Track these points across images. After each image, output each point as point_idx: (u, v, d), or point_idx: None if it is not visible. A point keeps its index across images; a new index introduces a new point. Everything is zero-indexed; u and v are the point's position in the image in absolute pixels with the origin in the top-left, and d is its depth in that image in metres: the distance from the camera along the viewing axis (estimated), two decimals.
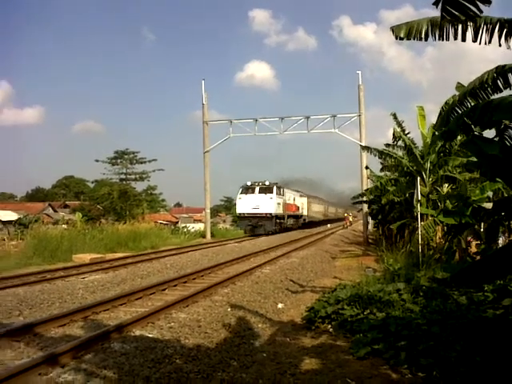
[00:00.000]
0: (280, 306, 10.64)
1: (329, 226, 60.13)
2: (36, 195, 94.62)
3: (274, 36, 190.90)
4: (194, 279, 13.78)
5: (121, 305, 10.21)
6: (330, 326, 8.54)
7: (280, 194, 39.61)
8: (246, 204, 37.85)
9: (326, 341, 7.80)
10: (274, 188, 38.17)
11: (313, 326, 8.65)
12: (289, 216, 43.55)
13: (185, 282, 13.24)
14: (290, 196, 44.83)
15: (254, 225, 37.29)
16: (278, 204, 38.54)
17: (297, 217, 48.47)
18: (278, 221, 38.97)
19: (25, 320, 8.94)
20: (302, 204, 51.14)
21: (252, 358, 6.90)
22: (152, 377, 5.84)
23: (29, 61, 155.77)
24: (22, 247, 23.44)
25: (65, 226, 31.77)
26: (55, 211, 67.92)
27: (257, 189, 38.09)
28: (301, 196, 51.23)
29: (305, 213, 52.15)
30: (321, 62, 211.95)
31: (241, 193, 38.76)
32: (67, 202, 76.70)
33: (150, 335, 7.74)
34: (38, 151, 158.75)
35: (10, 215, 52.18)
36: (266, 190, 37.90)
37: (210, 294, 11.29)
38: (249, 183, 38.93)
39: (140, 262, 18.02)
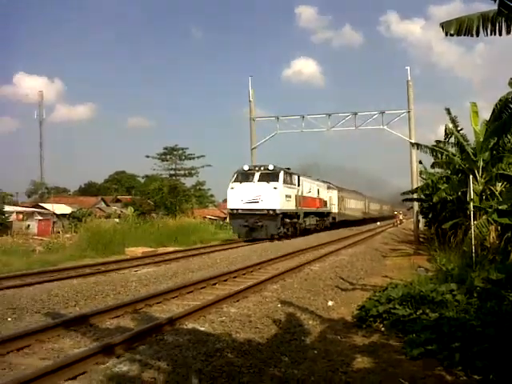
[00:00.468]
0: (330, 303, 10.59)
1: (378, 223, 59.29)
2: (89, 189, 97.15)
3: (320, 32, 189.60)
4: (243, 274, 13.88)
5: (173, 298, 10.40)
6: (381, 326, 8.45)
7: (291, 183, 28.74)
8: (241, 196, 26.61)
9: (377, 340, 7.72)
10: (281, 174, 27.13)
11: (364, 324, 8.58)
12: (307, 214, 32.41)
13: (235, 277, 13.34)
14: (311, 187, 33.92)
15: (251, 226, 26.21)
16: (288, 197, 27.66)
17: (321, 214, 37.42)
18: (287, 220, 28.04)
19: (81, 310, 9.23)
20: (331, 198, 40.75)
21: (303, 355, 6.89)
22: (204, 370, 5.91)
23: (80, 59, 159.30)
24: (76, 240, 24.17)
25: (117, 220, 32.49)
26: (107, 205, 69.56)
27: (256, 175, 26.97)
28: (329, 188, 40.78)
29: (335, 209, 42.06)
30: (368, 58, 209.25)
31: (234, 181, 27.45)
32: (119, 197, 78.35)
33: (202, 328, 7.85)
34: (90, 147, 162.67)
35: (64, 209, 53.91)
36: (269, 176, 26.86)
37: (259, 289, 11.34)
38: (246, 167, 27.70)
39: (190, 257, 18.32)
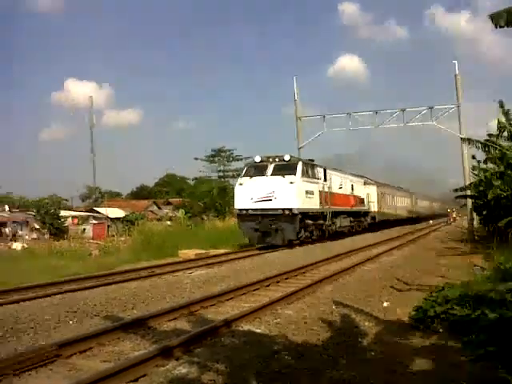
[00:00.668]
0: (385, 304, 10.46)
1: (431, 222, 58.16)
2: (140, 193, 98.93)
3: (364, 28, 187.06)
4: (295, 276, 13.86)
5: (227, 300, 10.48)
6: (439, 327, 8.29)
7: (313, 177, 24.19)
8: (250, 193, 22.32)
9: (436, 341, 7.58)
10: (300, 166, 22.77)
11: (421, 325, 8.42)
12: (338, 213, 27.66)
13: (287, 279, 13.34)
14: (343, 182, 29.55)
15: (264, 229, 21.95)
16: (309, 193, 23.16)
17: (357, 214, 32.83)
18: (309, 222, 23.46)
19: (138, 313, 9.41)
20: (368, 195, 35.85)
21: (360, 357, 6.84)
22: (262, 372, 5.96)
23: (129, 64, 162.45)
24: (130, 243, 24.75)
25: (169, 223, 33.05)
26: (159, 208, 70.80)
27: (270, 168, 22.73)
28: (366, 184, 36.15)
29: (374, 208, 36.81)
30: (414, 53, 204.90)
31: (244, 175, 23.62)
32: (170, 199, 79.50)
33: (258, 330, 7.90)
34: (140, 150, 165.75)
35: (117, 212, 55.19)
36: (285, 169, 22.58)
37: (313, 291, 11.31)
38: (257, 159, 23.63)
39: (242, 258, 18.45)
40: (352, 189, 31.53)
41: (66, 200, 68.28)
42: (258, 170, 23.07)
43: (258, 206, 22.00)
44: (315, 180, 24.28)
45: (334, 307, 9.77)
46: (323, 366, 6.36)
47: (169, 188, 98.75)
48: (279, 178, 22.02)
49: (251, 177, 22.82)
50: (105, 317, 9.20)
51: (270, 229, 21.82)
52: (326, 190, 25.50)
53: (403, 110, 33.69)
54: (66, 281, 13.68)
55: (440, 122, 33.35)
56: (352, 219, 31.41)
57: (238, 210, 22.96)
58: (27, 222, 55.05)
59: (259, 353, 6.63)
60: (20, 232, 51.85)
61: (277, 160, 22.94)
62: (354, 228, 32.06)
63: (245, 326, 8.08)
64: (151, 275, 14.30)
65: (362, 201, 33.98)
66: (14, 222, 55.72)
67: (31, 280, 14.00)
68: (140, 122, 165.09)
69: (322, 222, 25.08)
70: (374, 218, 36.73)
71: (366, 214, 35.37)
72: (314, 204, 23.65)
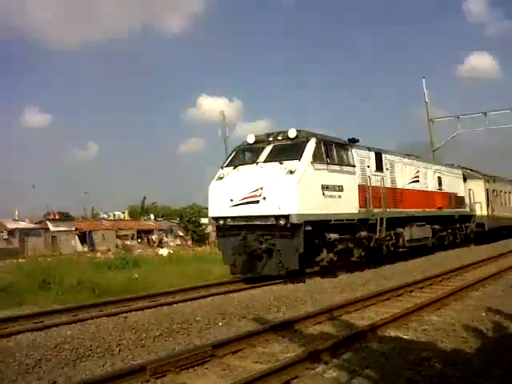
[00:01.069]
0: None
1: None
2: None
3: (493, 24, 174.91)
4: (440, 281, 13.44)
5: (370, 305, 10.44)
6: None
7: (342, 164, 15.44)
8: (230, 192, 14.37)
9: None
10: (311, 145, 14.27)
11: None
12: (406, 220, 19.06)
13: (430, 284, 12.98)
14: (421, 174, 21.11)
15: (250, 250, 13.75)
16: (332, 189, 14.63)
17: (449, 220, 23.65)
18: (333, 236, 14.73)
19: (284, 316, 9.67)
20: (471, 193, 26.68)
21: None
22: (413, 378, 5.86)
23: (254, 76, 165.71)
24: None
25: None
26: None
27: (265, 151, 14.60)
28: (470, 178, 27.39)
29: (480, 211, 27.39)
30: None
31: (227, 164, 15.42)
32: None
33: (405, 337, 7.78)
34: None
35: None
36: (287, 150, 14.42)
37: (460, 296, 10.89)
38: (250, 139, 15.34)
39: (383, 265, 17.83)
40: (440, 183, 23.00)
41: (206, 208, 71.37)
42: (248, 155, 15.34)
43: (240, 213, 13.96)
44: (348, 168, 15.53)
45: (483, 314, 9.32)
46: (477, 375, 6.10)
47: None
48: (274, 165, 13.86)
49: (236, 166, 14.86)
50: (252, 319, 9.57)
51: (258, 249, 13.61)
52: (379, 183, 17.26)
53: None
54: (212, 284, 14.37)
55: None
56: (438, 227, 22.23)
57: (212, 218, 15.05)
58: (172, 229, 58.57)
59: (409, 359, 6.51)
60: (165, 239, 55.36)
61: (279, 138, 14.71)
62: (444, 239, 23.36)
63: (391, 332, 7.99)
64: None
65: (459, 200, 25.15)
66: (159, 229, 59.58)
67: (178, 283, 14.95)
68: (269, 129, 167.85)
69: (364, 233, 16.20)
70: (481, 225, 27.26)
71: (467, 218, 26.12)
72: (344, 206, 15.01)
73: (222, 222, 14.52)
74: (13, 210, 57.16)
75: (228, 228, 14.47)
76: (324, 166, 14.38)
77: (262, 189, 13.55)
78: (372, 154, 17.28)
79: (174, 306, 11.04)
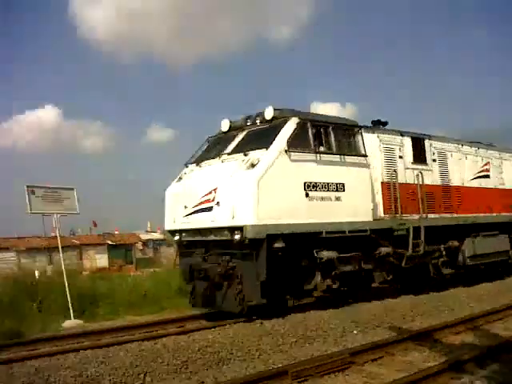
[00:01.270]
0: None
1: None
2: None
3: None
4: None
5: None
6: None
7: (342, 152, 10.96)
8: (185, 198, 10.67)
9: None
10: (288, 127, 10.25)
11: None
12: (465, 228, 13.78)
13: None
14: (492, 164, 15.79)
15: (202, 274, 10.08)
16: (323, 188, 10.33)
17: None
18: (328, 254, 10.42)
19: (420, 325, 9.45)
20: None
21: None
22: None
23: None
24: None
25: None
26: None
27: (236, 140, 11.01)
28: None
29: None
30: None
31: (193, 161, 11.63)
32: None
33: None
34: None
35: None
36: (260, 137, 10.47)
37: None
38: (224, 125, 11.67)
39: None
40: None
41: None
42: (219, 147, 11.43)
43: (193, 224, 10.50)
44: (353, 159, 11.18)
45: None
46: None
47: None
48: (236, 158, 10.31)
49: (199, 163, 11.39)
50: (387, 328, 9.44)
51: (216, 275, 9.92)
52: (413, 179, 12.59)
53: None
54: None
55: None
56: None
57: (167, 232, 11.94)
58: None
59: None
60: None
61: (257, 122, 11.00)
62: None
63: None
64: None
65: None
66: None
67: None
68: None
69: (386, 249, 11.69)
70: None
71: None
72: (346, 212, 10.67)
73: (177, 238, 11.15)
74: (146, 223, 60.53)
75: (186, 244, 11.17)
76: (310, 157, 10.36)
77: (215, 190, 9.94)
78: (407, 140, 12.95)
79: (307, 313, 11.09)
